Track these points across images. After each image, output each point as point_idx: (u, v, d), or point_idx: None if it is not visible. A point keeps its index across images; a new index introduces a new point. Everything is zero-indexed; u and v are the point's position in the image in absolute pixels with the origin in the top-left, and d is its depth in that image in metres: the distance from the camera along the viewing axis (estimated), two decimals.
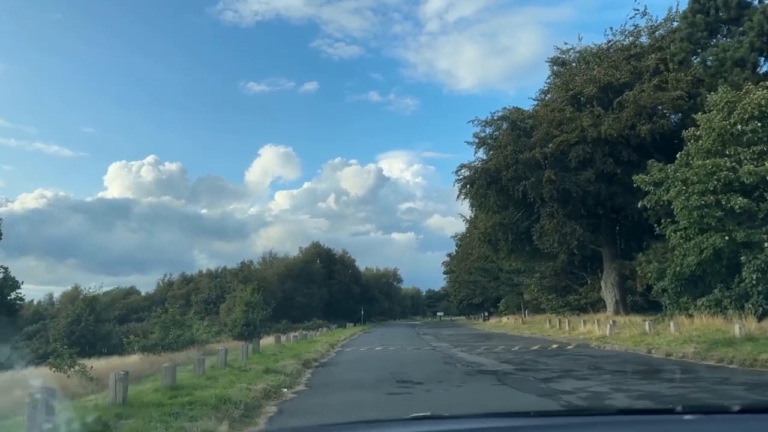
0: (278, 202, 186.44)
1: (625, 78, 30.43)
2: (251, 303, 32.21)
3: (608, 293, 33.87)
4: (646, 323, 22.57)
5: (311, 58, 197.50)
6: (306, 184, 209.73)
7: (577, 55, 35.58)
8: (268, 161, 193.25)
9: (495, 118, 33.73)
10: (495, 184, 31.21)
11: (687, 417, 1.65)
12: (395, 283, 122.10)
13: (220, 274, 68.02)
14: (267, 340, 28.86)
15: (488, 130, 33.90)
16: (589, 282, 42.67)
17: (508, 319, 50.89)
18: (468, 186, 32.40)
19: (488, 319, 62.17)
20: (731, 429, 1.60)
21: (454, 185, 32.98)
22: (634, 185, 25.46)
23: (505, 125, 32.26)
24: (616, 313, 33.08)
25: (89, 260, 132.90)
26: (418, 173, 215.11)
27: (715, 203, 22.83)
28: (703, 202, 22.94)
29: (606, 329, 25.75)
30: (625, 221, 29.16)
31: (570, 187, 28.04)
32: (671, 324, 20.97)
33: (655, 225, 25.69)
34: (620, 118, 27.96)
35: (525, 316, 49.45)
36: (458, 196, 33.20)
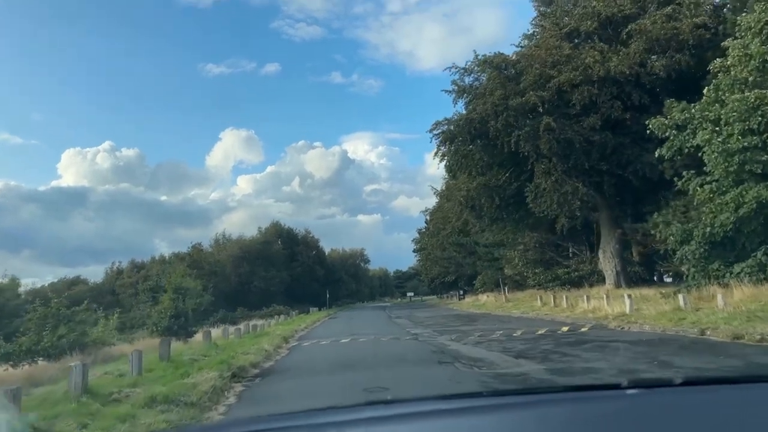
0: (241, 186, 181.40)
1: (629, 9, 25.72)
2: (182, 289, 26.19)
3: (607, 263, 29.58)
4: (680, 296, 18.06)
5: (272, 39, 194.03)
6: (269, 168, 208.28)
7: None
8: (229, 145, 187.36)
9: (475, 64, 28.61)
10: (480, 138, 26.23)
11: (630, 391, 1.68)
12: (362, 264, 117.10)
13: (170, 259, 61.36)
14: (201, 336, 23.40)
15: (468, 79, 28.82)
16: (578, 253, 38.58)
17: (487, 297, 46.54)
18: (448, 143, 27.30)
19: (464, 298, 57.89)
20: (674, 401, 1.62)
21: (431, 141, 27.86)
22: (648, 131, 20.82)
23: (488, 70, 27.15)
24: (617, 285, 28.87)
25: (45, 251, 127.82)
26: (382, 155, 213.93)
27: (762, 145, 18.40)
28: (744, 145, 18.49)
29: (621, 305, 21.30)
30: (633, 178, 24.64)
31: (572, 137, 23.26)
32: (718, 296, 16.49)
33: (675, 179, 21.22)
34: (629, 52, 23.24)
35: (506, 294, 45.18)
36: (435, 155, 28.15)
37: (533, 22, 31.74)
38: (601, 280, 32.48)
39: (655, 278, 33.17)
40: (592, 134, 23.27)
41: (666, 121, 20.60)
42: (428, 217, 71.21)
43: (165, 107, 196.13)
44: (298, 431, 1.52)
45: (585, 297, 25.14)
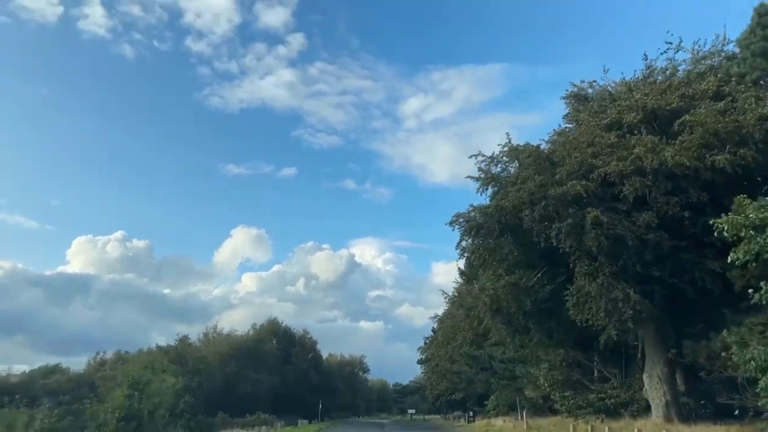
0: (245, 284, 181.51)
1: (677, 103, 23.52)
2: (139, 384, 21.02)
3: (655, 391, 24.70)
4: None
5: (292, 145, 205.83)
6: (276, 267, 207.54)
7: (603, 90, 29.07)
8: (239, 242, 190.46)
9: (504, 154, 26.10)
10: (512, 231, 22.85)
11: None
12: (361, 373, 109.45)
13: (152, 352, 55.98)
14: None
15: (495, 169, 26.15)
16: (609, 376, 33.49)
17: (504, 421, 40.54)
18: (472, 234, 23.93)
19: (473, 420, 51.20)
20: None
21: (453, 230, 24.46)
22: (715, 231, 17.39)
23: (521, 158, 24.49)
24: (667, 418, 23.81)
25: (39, 338, 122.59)
26: (389, 261, 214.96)
27: None
28: None
29: None
30: (689, 288, 20.79)
31: (623, 233, 19.81)
32: None
33: (750, 291, 17.41)
34: (689, 142, 20.53)
35: (524, 419, 39.25)
36: (458, 245, 24.64)
37: (566, 117, 29.74)
38: (643, 410, 27.40)
39: (706, 410, 28.05)
40: (646, 232, 19.85)
41: (741, 219, 17.20)
42: (436, 325, 66.07)
43: (181, 201, 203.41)
44: None
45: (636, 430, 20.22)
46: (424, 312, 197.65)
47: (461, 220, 24.38)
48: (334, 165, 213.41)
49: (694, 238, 20.72)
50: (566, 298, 21.32)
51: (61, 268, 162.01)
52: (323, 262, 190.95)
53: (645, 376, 25.41)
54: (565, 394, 31.43)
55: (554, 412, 42.88)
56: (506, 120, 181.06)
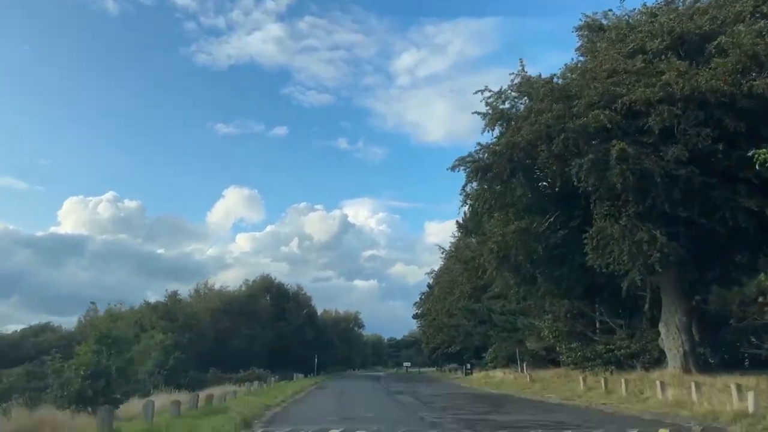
0: (239, 244, 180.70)
1: (708, 26, 21.10)
2: (108, 338, 19.14)
3: (672, 341, 23.28)
4: None
5: (282, 103, 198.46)
6: (269, 227, 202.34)
7: (619, 19, 26.41)
8: (231, 203, 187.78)
9: (513, 88, 23.68)
10: (524, 171, 20.76)
11: None
12: (356, 329, 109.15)
13: (140, 308, 54.41)
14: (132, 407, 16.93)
15: (504, 105, 23.78)
16: (617, 327, 32.26)
17: (504, 373, 39.61)
18: (479, 175, 21.82)
19: (471, 373, 50.64)
20: None
21: (456, 170, 22.28)
22: (756, 163, 15.29)
23: (535, 89, 22.10)
24: (685, 369, 22.45)
25: (34, 298, 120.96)
26: (382, 221, 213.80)
27: None
28: None
29: (725, 400, 15.09)
30: (720, 228, 18.96)
31: (651, 168, 17.76)
32: None
33: None
34: (725, 64, 18.25)
35: (525, 371, 38.34)
36: (462, 189, 22.59)
37: (579, 50, 27.18)
38: (654, 360, 26.18)
39: (721, 361, 26.93)
40: (675, 167, 17.84)
41: None
42: (432, 280, 65.01)
43: (171, 161, 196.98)
44: None
45: (659, 384, 18.72)
46: (417, 271, 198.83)
47: (467, 161, 22.24)
48: (326, 124, 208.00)
49: (727, 174, 18.79)
50: (584, 241, 19.44)
51: (53, 229, 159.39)
52: (317, 223, 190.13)
53: (661, 326, 23.94)
54: (572, 345, 30.18)
55: (556, 363, 41.99)
56: (502, 75, 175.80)
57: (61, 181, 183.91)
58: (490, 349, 49.32)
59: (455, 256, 53.05)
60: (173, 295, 49.51)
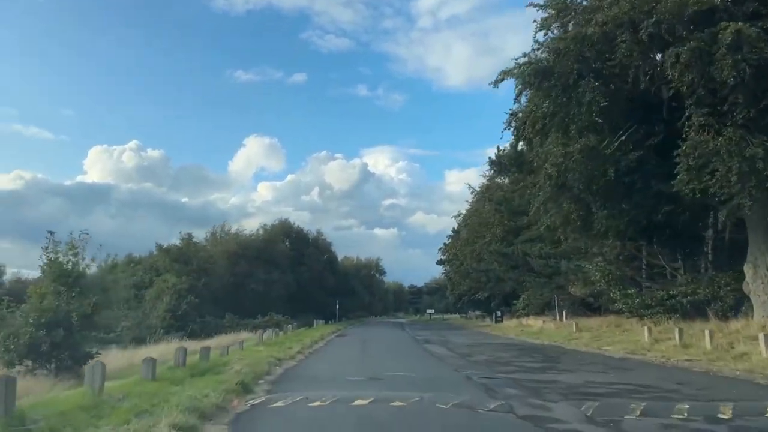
0: (261, 193, 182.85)
1: None
2: (68, 275, 15.41)
3: (760, 285, 19.40)
4: None
5: (301, 49, 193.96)
6: (290, 176, 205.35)
7: None
8: (252, 152, 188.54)
9: None
10: (595, 74, 16.43)
11: None
12: (377, 276, 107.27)
13: (156, 252, 52.13)
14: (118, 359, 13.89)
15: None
16: (675, 272, 28.39)
17: (543, 322, 36.31)
18: (537, 81, 17.51)
19: (501, 320, 47.65)
20: None
21: (507, 80, 18.02)
22: None
23: None
24: None
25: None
26: (402, 170, 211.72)
27: None
28: None
29: None
30: None
31: None
32: None
33: None
34: None
35: (565, 319, 35.04)
36: (516, 99, 18.41)
37: None
38: (728, 309, 22.43)
39: None
40: None
41: None
42: (458, 223, 61.35)
43: (192, 110, 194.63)
44: None
45: (763, 337, 14.96)
46: (437, 219, 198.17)
47: (522, 65, 17.86)
48: (345, 70, 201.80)
49: None
50: (677, 160, 15.25)
51: (79, 178, 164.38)
52: (337, 172, 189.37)
53: (747, 268, 19.93)
54: (629, 291, 26.42)
55: (595, 311, 38.62)
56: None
57: (85, 131, 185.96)
58: (522, 296, 46.00)
59: (486, 196, 49.08)
60: (187, 238, 47.01)
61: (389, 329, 46.56)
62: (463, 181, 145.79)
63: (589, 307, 40.67)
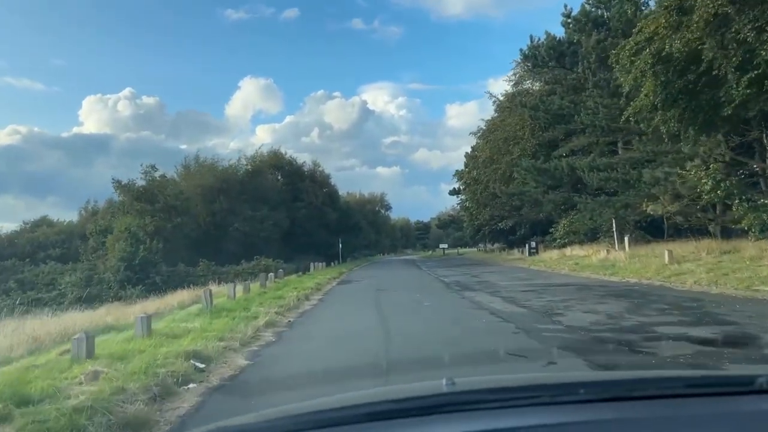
0: (260, 136, 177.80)
1: None
2: None
3: None
4: None
5: None
6: (288, 118, 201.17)
7: None
8: (248, 94, 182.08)
9: None
10: None
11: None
12: (383, 211, 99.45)
13: (118, 193, 43.56)
14: None
15: None
16: None
17: (599, 252, 28.14)
18: None
19: (536, 252, 39.61)
20: None
21: None
22: None
23: None
24: None
25: (70, 197, 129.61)
26: (402, 106, 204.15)
27: None
28: None
29: None
30: None
31: None
32: None
33: None
34: None
35: (628, 246, 26.90)
36: None
37: None
38: None
39: None
40: None
41: None
42: (478, 141, 52.28)
43: (184, 54, 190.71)
44: None
45: None
46: (440, 155, 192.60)
47: None
48: (339, 2, 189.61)
49: None
50: None
51: (76, 130, 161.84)
52: (336, 111, 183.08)
53: None
54: (760, 202, 17.98)
55: (656, 235, 30.65)
56: None
57: (77, 81, 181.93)
58: (563, 221, 37.84)
59: (516, 102, 39.88)
60: (149, 171, 38.24)
61: (405, 269, 38.70)
62: (465, 115, 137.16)
63: (652, 231, 32.64)
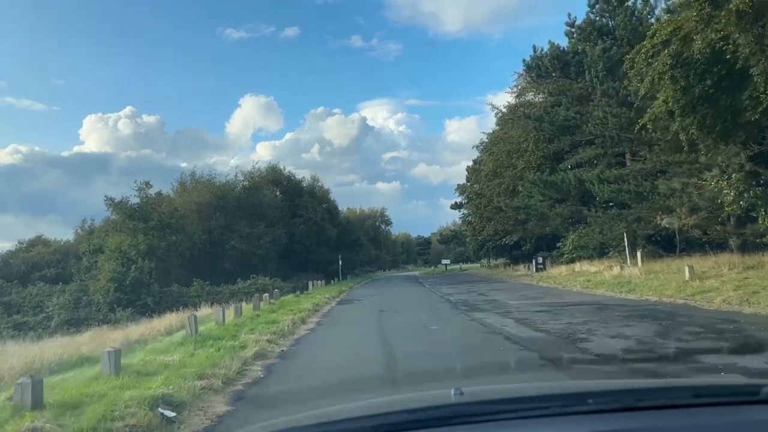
0: (260, 153, 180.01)
1: None
2: None
3: None
4: None
5: (292, 1, 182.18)
6: (288, 135, 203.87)
7: None
8: (249, 112, 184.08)
9: None
10: None
11: None
12: (383, 227, 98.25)
13: (113, 210, 42.35)
14: None
15: None
16: None
17: (610, 267, 26.88)
18: None
19: (543, 268, 38.34)
20: None
21: None
22: None
23: None
24: None
25: (70, 216, 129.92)
26: (401, 122, 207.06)
27: None
28: None
29: None
30: None
31: None
32: None
33: None
34: None
35: (641, 262, 25.66)
36: None
37: None
38: None
39: None
40: None
41: None
42: (481, 154, 51.26)
43: (185, 73, 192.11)
44: None
45: None
46: (439, 170, 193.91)
47: None
48: (338, 21, 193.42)
49: None
50: None
51: (77, 149, 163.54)
52: (335, 127, 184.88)
53: None
54: None
55: (669, 250, 29.50)
56: None
57: (77, 100, 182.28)
58: (571, 236, 36.66)
59: (520, 113, 38.96)
60: (144, 188, 37.05)
61: (407, 287, 37.41)
62: (464, 130, 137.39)
63: (663, 245, 31.47)
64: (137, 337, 14.97)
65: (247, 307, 17.23)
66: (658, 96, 16.96)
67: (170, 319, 19.73)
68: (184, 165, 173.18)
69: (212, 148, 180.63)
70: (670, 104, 16.19)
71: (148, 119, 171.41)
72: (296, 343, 11.66)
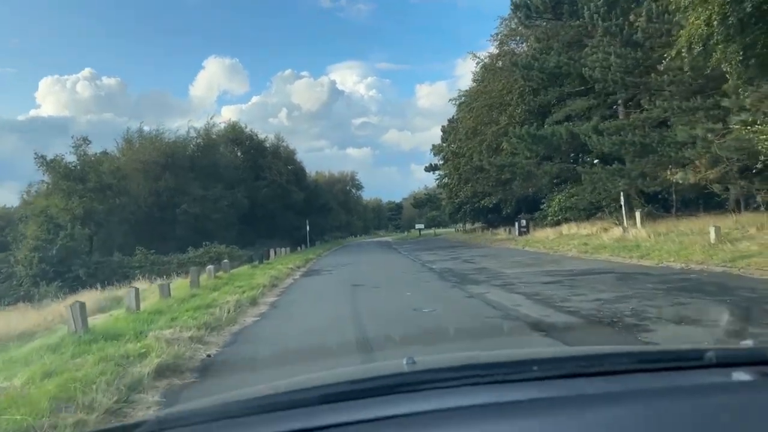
0: (226, 117, 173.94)
1: None
2: None
3: None
4: None
5: None
6: (255, 99, 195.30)
7: None
8: (213, 74, 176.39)
9: None
10: None
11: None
12: (354, 191, 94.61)
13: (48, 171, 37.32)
14: None
15: None
16: None
17: (604, 229, 24.08)
18: None
19: (526, 232, 35.49)
20: None
21: None
22: None
23: None
24: None
25: (28, 183, 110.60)
26: (372, 86, 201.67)
27: None
28: None
29: None
30: None
31: None
32: None
33: None
34: None
35: (640, 223, 22.95)
36: None
37: None
38: None
39: None
40: None
41: None
42: (459, 110, 47.67)
43: (145, 33, 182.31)
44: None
45: None
46: (410, 136, 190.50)
47: None
48: None
49: None
50: None
51: (33, 112, 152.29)
52: (304, 91, 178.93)
53: None
54: None
55: (666, 209, 27.15)
56: None
57: (33, 61, 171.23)
58: (558, 196, 33.85)
59: (507, 61, 35.38)
60: (81, 144, 32.13)
61: (382, 254, 34.18)
62: (435, 95, 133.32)
63: (664, 205, 29.08)
64: (32, 325, 11.23)
65: (182, 283, 13.59)
66: (689, 18, 13.65)
67: (94, 295, 15.91)
68: (147, 129, 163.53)
69: (176, 112, 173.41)
70: (715, 25, 12.89)
71: (109, 81, 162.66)
72: (233, 341, 8.14)
